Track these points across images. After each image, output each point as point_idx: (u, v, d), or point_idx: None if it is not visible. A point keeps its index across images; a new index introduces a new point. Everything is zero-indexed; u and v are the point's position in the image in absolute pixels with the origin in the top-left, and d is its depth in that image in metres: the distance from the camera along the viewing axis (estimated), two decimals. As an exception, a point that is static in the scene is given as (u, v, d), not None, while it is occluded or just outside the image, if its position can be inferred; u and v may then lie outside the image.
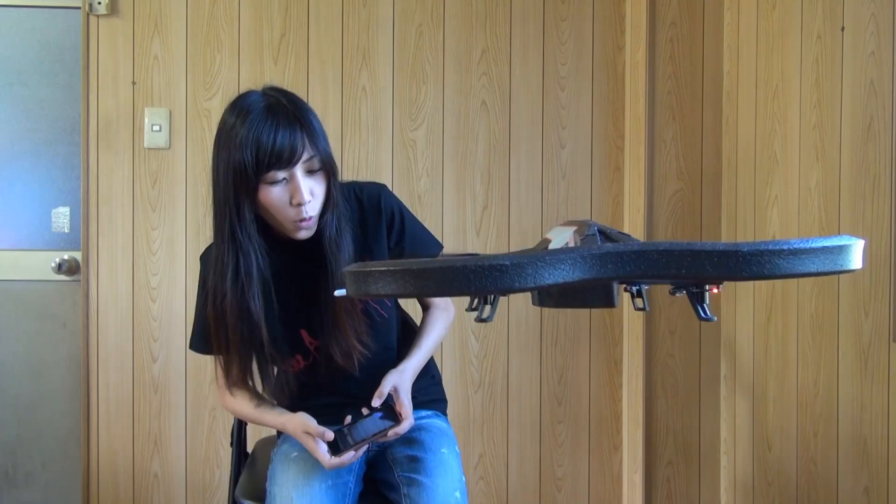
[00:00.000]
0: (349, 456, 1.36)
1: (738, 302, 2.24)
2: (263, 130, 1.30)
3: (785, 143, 1.96)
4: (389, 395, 1.43)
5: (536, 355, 2.41)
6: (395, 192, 2.41)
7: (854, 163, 1.68)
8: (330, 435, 1.37)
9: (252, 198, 1.34)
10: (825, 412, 1.80)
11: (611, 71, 2.41)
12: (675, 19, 2.33)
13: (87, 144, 2.30)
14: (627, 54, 2.39)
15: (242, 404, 1.50)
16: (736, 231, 2.25)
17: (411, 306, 1.80)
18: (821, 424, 1.82)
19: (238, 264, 1.36)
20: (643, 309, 0.87)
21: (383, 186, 1.54)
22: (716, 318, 0.78)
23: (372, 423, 1.39)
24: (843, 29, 1.72)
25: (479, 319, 0.76)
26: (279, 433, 1.60)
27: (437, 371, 1.73)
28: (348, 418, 1.40)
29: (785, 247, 0.67)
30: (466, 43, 2.37)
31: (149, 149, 2.31)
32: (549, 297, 0.81)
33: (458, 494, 1.39)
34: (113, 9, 2.30)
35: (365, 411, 1.41)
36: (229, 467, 1.74)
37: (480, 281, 0.67)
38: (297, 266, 1.44)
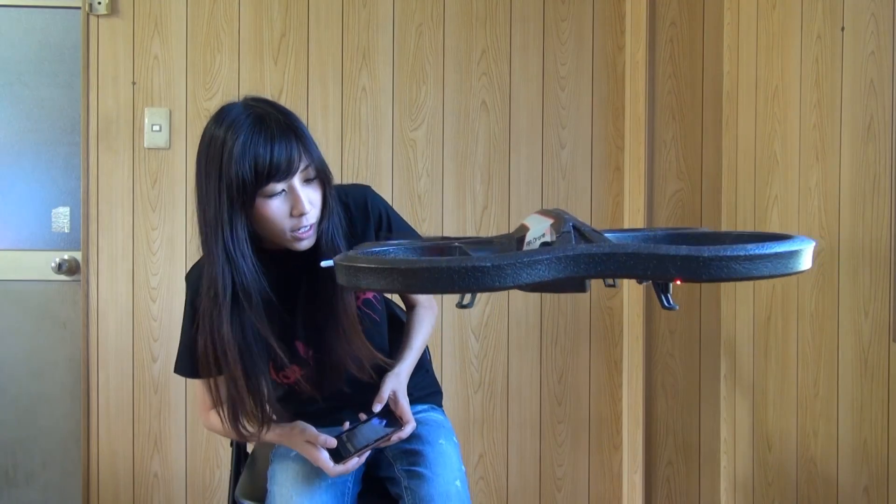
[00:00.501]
0: (353, 462, 1.36)
1: (737, 302, 2.24)
2: (259, 143, 1.27)
3: (785, 143, 1.96)
4: (388, 401, 1.43)
5: (536, 355, 2.41)
6: (396, 193, 2.42)
7: (854, 163, 1.68)
8: (333, 442, 1.36)
9: (248, 212, 1.30)
10: (825, 412, 1.80)
11: (611, 71, 2.41)
12: (675, 19, 2.33)
13: (87, 144, 2.30)
14: (627, 54, 2.39)
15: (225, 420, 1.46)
16: (735, 231, 2.25)
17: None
18: (821, 424, 1.82)
19: (235, 283, 1.32)
20: (612, 286, 0.93)
21: (368, 188, 1.53)
22: (678, 307, 0.85)
23: (373, 429, 1.39)
24: (843, 29, 1.72)
25: (460, 305, 0.82)
26: None
27: (428, 362, 1.74)
28: (346, 424, 1.40)
29: (742, 252, 0.72)
30: (466, 43, 2.37)
31: (149, 149, 2.31)
32: (526, 284, 0.86)
33: (458, 483, 1.40)
34: (113, 9, 2.30)
35: (363, 416, 1.41)
36: (229, 467, 1.73)
37: (463, 281, 0.72)
38: (290, 277, 1.42)
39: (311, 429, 1.39)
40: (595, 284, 2.40)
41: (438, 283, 0.73)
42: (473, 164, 2.38)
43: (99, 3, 2.28)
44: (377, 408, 1.40)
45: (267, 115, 1.31)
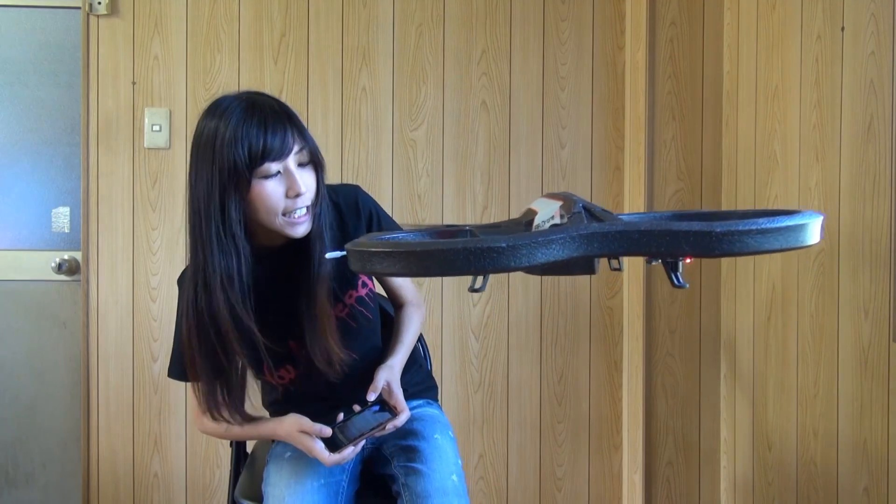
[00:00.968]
0: (349, 451, 1.36)
1: (738, 302, 2.24)
2: (252, 125, 1.28)
3: (785, 143, 1.96)
4: (381, 391, 1.43)
5: (536, 355, 2.41)
6: (396, 193, 2.42)
7: (854, 163, 1.68)
8: (328, 431, 1.36)
9: (242, 195, 1.30)
10: (825, 412, 1.80)
11: (611, 71, 2.41)
12: (675, 19, 2.33)
13: (87, 144, 2.30)
14: (627, 54, 2.39)
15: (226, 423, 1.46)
16: (736, 231, 2.25)
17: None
18: (821, 424, 1.82)
19: (223, 267, 1.32)
20: (618, 269, 0.94)
21: (358, 188, 1.53)
22: (688, 285, 0.86)
23: (369, 418, 1.38)
24: (843, 29, 1.72)
25: (472, 289, 0.83)
26: None
27: (423, 358, 1.74)
28: (340, 416, 1.40)
29: (753, 227, 0.73)
30: (466, 43, 2.37)
31: (149, 149, 2.31)
32: (536, 267, 0.87)
33: (454, 478, 1.40)
34: (113, 9, 2.30)
35: (357, 408, 1.40)
36: (229, 467, 1.73)
37: (479, 262, 0.73)
38: (281, 274, 1.42)
39: (306, 419, 1.39)
40: (597, 280, 2.40)
41: (455, 264, 0.73)
42: (473, 164, 2.38)
43: (99, 3, 2.28)
44: (371, 397, 1.40)
45: (259, 100, 1.32)
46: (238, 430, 1.46)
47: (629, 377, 2.38)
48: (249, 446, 1.75)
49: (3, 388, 2.43)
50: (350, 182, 2.26)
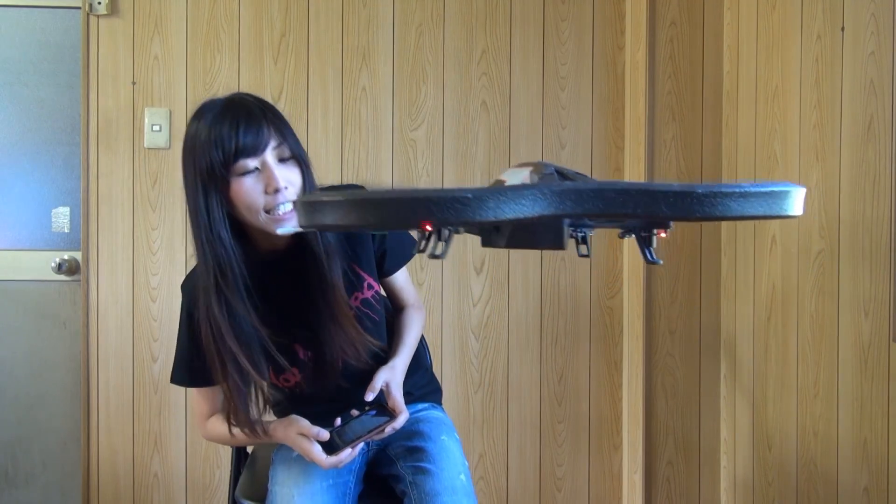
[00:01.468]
0: (346, 454, 1.35)
1: (738, 302, 2.24)
2: (224, 124, 1.28)
3: (785, 143, 1.96)
4: (381, 394, 1.42)
5: (536, 355, 2.41)
6: (395, 192, 2.41)
7: (854, 163, 1.68)
8: (325, 435, 1.36)
9: (223, 195, 1.29)
10: (825, 412, 1.80)
11: (611, 71, 2.41)
12: (675, 19, 2.33)
13: (87, 144, 2.30)
14: (627, 54, 2.39)
15: (227, 427, 1.46)
16: (736, 231, 2.25)
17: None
18: (821, 424, 1.82)
19: (215, 267, 1.31)
20: (586, 255, 0.90)
21: (363, 189, 1.51)
22: (661, 262, 0.84)
23: (366, 421, 1.38)
24: (843, 29, 1.72)
25: (432, 255, 0.77)
26: None
27: (427, 360, 1.74)
28: (338, 420, 1.39)
29: (737, 189, 0.71)
30: (466, 43, 2.37)
31: (149, 149, 2.31)
32: (500, 236, 0.82)
33: (462, 477, 1.40)
34: (113, 9, 2.30)
35: (355, 412, 1.40)
36: (229, 467, 1.73)
37: (442, 212, 0.67)
38: (284, 279, 1.41)
39: (304, 421, 1.38)
40: (597, 280, 2.39)
41: (415, 214, 0.68)
42: (473, 164, 2.38)
43: (99, 3, 2.27)
44: (369, 396, 1.39)
45: (237, 100, 1.32)
46: (242, 436, 1.45)
47: (629, 377, 2.39)
48: (249, 446, 1.75)
49: (3, 388, 2.43)
50: (351, 182, 2.27)
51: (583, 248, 0.90)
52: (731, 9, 2.29)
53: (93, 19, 2.29)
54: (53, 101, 2.42)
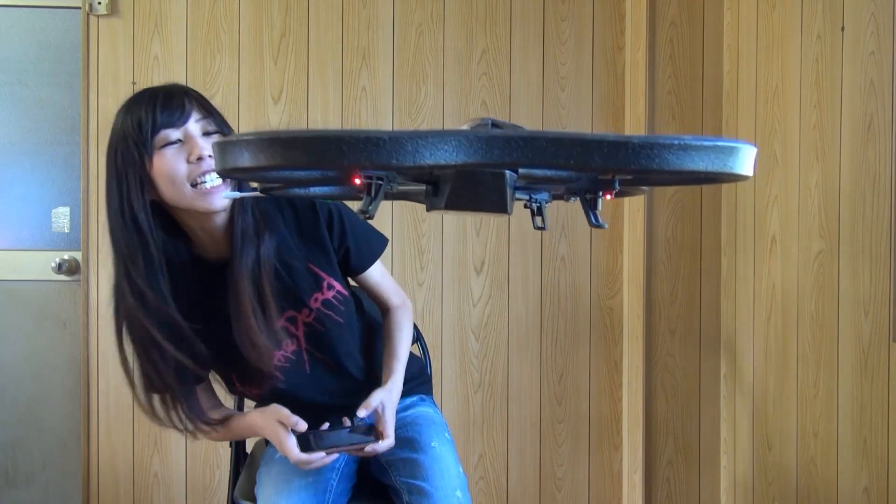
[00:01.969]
0: (318, 457, 1.32)
1: (738, 302, 2.24)
2: (143, 101, 1.25)
3: (785, 143, 1.96)
4: (373, 413, 1.38)
5: (536, 355, 2.41)
6: (395, 192, 2.42)
7: (854, 163, 1.68)
8: (303, 426, 1.32)
9: (143, 174, 1.24)
10: (825, 412, 1.80)
11: (611, 71, 2.41)
12: (675, 19, 2.33)
13: (87, 144, 2.30)
14: (627, 54, 2.39)
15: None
16: (736, 231, 2.25)
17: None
18: (821, 424, 1.82)
19: (127, 251, 1.27)
20: (542, 228, 0.86)
21: None
22: (606, 225, 0.79)
23: (350, 436, 1.34)
24: (843, 29, 1.72)
25: (362, 211, 0.73)
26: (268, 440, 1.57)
27: (424, 355, 1.72)
28: (326, 424, 1.36)
29: (676, 141, 0.66)
30: (466, 43, 2.37)
31: (149, 149, 2.31)
32: (439, 197, 0.77)
33: (459, 494, 1.38)
34: (113, 9, 2.30)
35: (346, 421, 1.37)
36: (229, 467, 1.73)
37: (354, 154, 0.63)
38: (221, 286, 1.35)
39: (286, 410, 1.34)
40: (597, 280, 2.39)
41: (325, 154, 0.64)
42: (473, 164, 2.37)
43: (99, 3, 2.27)
44: (362, 413, 1.36)
45: (162, 86, 1.29)
46: (222, 430, 1.43)
47: (629, 377, 2.38)
48: (249, 446, 1.75)
49: (3, 388, 2.43)
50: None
51: (538, 221, 0.85)
52: (731, 9, 2.29)
53: (93, 19, 2.29)
54: (53, 101, 2.42)
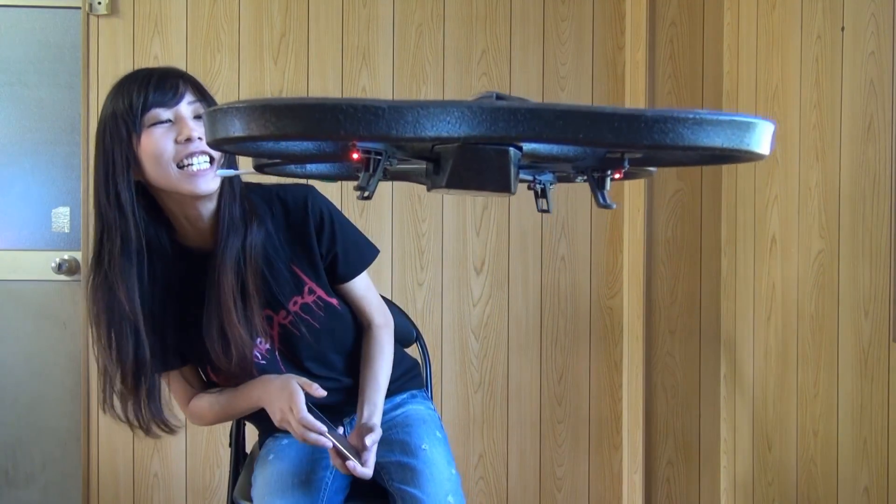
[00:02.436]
0: (319, 427, 1.29)
1: (738, 302, 2.24)
2: (136, 81, 1.24)
3: (785, 143, 1.96)
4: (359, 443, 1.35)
5: (536, 355, 2.41)
6: (395, 193, 2.42)
7: (854, 163, 1.68)
8: (322, 392, 1.31)
9: (130, 151, 1.23)
10: (825, 412, 1.80)
11: (611, 71, 2.41)
12: (675, 19, 2.33)
13: (87, 144, 2.30)
14: (627, 54, 2.39)
15: (209, 402, 1.41)
16: (736, 231, 2.25)
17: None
18: (821, 424, 1.82)
19: (104, 230, 1.26)
20: (546, 210, 0.83)
21: (311, 188, 1.43)
22: (615, 206, 0.77)
23: (343, 437, 1.34)
24: (843, 29, 1.72)
25: (359, 188, 0.70)
26: (261, 444, 1.56)
27: (421, 352, 1.70)
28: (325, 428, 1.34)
29: (691, 115, 0.63)
30: (466, 43, 2.37)
31: (149, 149, 2.31)
32: (440, 173, 0.74)
33: (450, 499, 1.37)
34: (113, 9, 2.30)
35: (341, 430, 1.37)
36: (229, 467, 1.73)
37: (352, 124, 0.60)
38: (202, 277, 1.34)
39: (302, 378, 1.34)
40: (597, 280, 2.39)
41: (321, 124, 0.60)
42: (473, 164, 2.37)
43: (99, 3, 2.27)
44: (356, 441, 1.34)
45: (159, 67, 1.29)
46: (223, 403, 1.41)
47: (629, 377, 2.38)
48: (248, 446, 1.75)
49: (3, 388, 2.43)
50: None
51: (542, 203, 0.83)
52: (731, 9, 2.29)
53: (93, 19, 2.29)
54: (53, 101, 2.42)
